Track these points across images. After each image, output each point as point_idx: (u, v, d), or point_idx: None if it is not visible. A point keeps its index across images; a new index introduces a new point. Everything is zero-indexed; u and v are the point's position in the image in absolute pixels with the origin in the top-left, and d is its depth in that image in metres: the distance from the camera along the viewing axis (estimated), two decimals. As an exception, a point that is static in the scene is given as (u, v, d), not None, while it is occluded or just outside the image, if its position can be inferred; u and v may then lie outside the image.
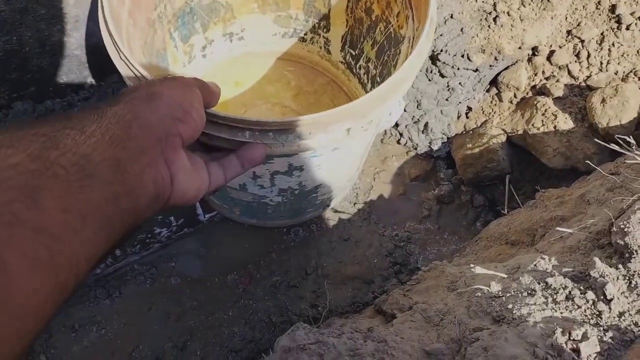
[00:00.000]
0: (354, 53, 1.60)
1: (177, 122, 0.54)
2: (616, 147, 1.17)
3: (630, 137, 1.18)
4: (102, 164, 0.42)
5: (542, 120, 1.57)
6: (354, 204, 1.73)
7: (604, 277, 0.79)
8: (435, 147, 1.77)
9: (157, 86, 0.55)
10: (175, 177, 0.53)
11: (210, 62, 1.68)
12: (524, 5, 1.59)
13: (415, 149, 1.81)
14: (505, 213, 1.51)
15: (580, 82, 1.59)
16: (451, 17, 1.60)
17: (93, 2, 1.41)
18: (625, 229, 0.81)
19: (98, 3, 1.02)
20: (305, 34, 1.69)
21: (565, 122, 1.55)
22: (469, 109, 1.73)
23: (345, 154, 1.23)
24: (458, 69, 1.62)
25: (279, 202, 1.35)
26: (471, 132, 1.72)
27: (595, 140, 1.47)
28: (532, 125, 1.59)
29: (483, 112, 1.72)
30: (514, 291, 0.88)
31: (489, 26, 1.60)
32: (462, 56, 1.61)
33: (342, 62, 1.68)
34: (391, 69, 1.37)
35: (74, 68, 1.57)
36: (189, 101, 0.57)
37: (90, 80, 1.64)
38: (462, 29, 1.60)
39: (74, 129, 0.42)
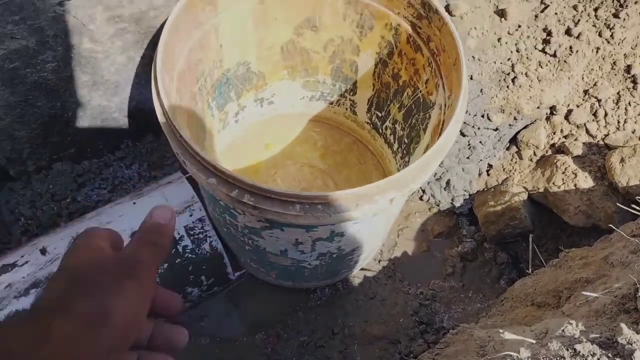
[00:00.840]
0: (380, 115, 1.67)
1: (124, 344, 0.43)
2: (637, 209, 1.20)
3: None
4: None
5: (563, 179, 1.61)
6: (379, 261, 1.75)
7: (631, 345, 0.80)
8: (457, 204, 1.81)
9: (113, 297, 0.42)
10: None
11: (242, 126, 1.76)
12: (541, 67, 1.66)
13: (438, 205, 1.85)
14: (530, 273, 1.53)
15: (598, 141, 1.64)
16: (471, 78, 1.67)
17: (129, 68, 1.49)
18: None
19: (152, 86, 1.09)
20: (332, 97, 1.76)
21: (586, 181, 1.59)
22: (490, 166, 1.78)
23: (384, 218, 1.27)
24: (478, 128, 1.68)
25: (317, 265, 1.38)
26: (493, 189, 1.76)
27: (616, 200, 1.51)
28: (553, 183, 1.63)
29: (504, 170, 1.76)
30: (543, 358, 0.90)
31: (507, 87, 1.67)
32: (482, 116, 1.68)
33: (367, 122, 1.75)
34: (420, 132, 1.43)
35: (112, 130, 1.64)
36: (140, 318, 0.45)
37: (126, 141, 1.71)
38: (481, 89, 1.67)
39: None
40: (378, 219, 1.23)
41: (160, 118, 1.07)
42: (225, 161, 1.73)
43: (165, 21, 1.39)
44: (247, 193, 0.95)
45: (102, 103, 1.54)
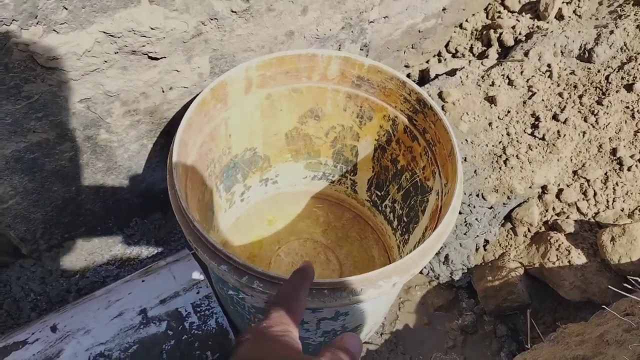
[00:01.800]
0: (379, 194, 1.75)
1: None
2: (629, 289, 1.26)
3: (642, 277, 1.28)
4: None
5: (557, 255, 1.68)
6: (381, 334, 1.79)
7: None
8: (456, 278, 1.87)
9: None
10: None
11: (247, 204, 1.83)
12: (531, 149, 1.76)
13: (437, 279, 1.90)
14: (529, 347, 1.57)
15: (589, 219, 1.71)
16: (465, 159, 1.76)
17: (142, 154, 1.58)
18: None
19: (167, 179, 1.17)
20: (334, 177, 1.85)
21: (579, 257, 1.65)
22: (487, 242, 1.84)
23: (387, 298, 1.33)
24: (474, 206, 1.76)
25: (321, 342, 1.42)
26: (490, 264, 1.82)
27: (609, 276, 1.57)
28: (548, 259, 1.69)
29: (500, 245, 1.83)
30: None
31: (500, 168, 1.76)
32: (477, 195, 1.76)
33: (367, 200, 1.83)
34: (419, 214, 1.50)
35: (123, 210, 1.71)
36: None
37: (135, 219, 1.78)
38: (475, 170, 1.76)
39: None
40: (381, 300, 1.29)
41: (176, 210, 1.14)
42: (231, 237, 1.80)
43: (180, 109, 1.51)
44: (257, 280, 1.01)
45: (115, 186, 1.61)
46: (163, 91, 1.42)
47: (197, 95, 1.49)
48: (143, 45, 1.26)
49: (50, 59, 1.16)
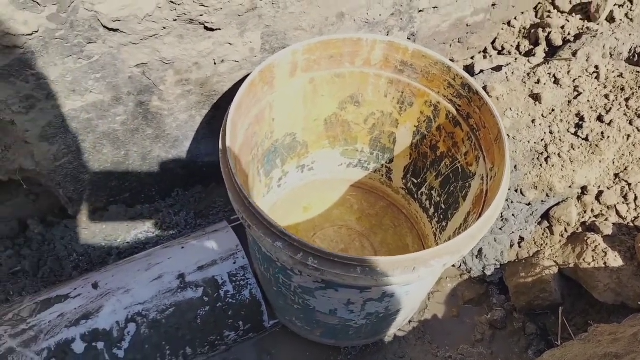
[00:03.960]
0: (416, 181, 1.76)
1: None
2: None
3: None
4: None
5: (593, 256, 1.66)
6: (410, 322, 1.80)
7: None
8: (488, 273, 1.86)
9: None
10: None
11: (284, 190, 1.87)
12: (573, 149, 1.74)
13: (469, 272, 1.90)
14: (559, 344, 1.56)
15: (628, 222, 1.69)
16: (506, 154, 1.76)
17: (189, 125, 1.62)
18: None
19: (221, 164, 1.21)
20: (369, 164, 1.87)
21: (615, 260, 1.63)
22: (522, 239, 1.83)
23: (430, 280, 1.34)
24: (512, 202, 1.75)
25: (363, 325, 1.44)
26: (524, 261, 1.81)
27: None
28: (583, 260, 1.67)
29: (535, 243, 1.82)
30: None
31: (540, 165, 1.75)
32: (516, 191, 1.75)
33: (402, 188, 1.84)
34: (459, 200, 1.51)
35: (166, 179, 1.77)
36: None
37: (177, 189, 1.83)
38: (515, 166, 1.75)
39: None
40: (425, 282, 1.30)
41: (230, 187, 1.17)
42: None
43: (226, 86, 1.55)
44: (311, 256, 1.04)
45: (161, 154, 1.67)
46: (215, 63, 1.47)
47: (247, 72, 1.54)
48: (201, 15, 1.31)
49: (113, 20, 1.22)
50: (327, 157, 1.86)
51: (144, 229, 1.81)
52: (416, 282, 1.20)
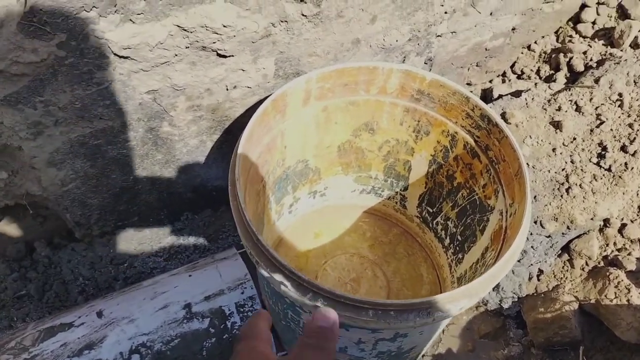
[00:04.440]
0: (431, 211, 1.71)
1: None
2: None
3: None
4: None
5: (615, 293, 1.59)
6: (422, 356, 1.74)
7: None
8: (505, 306, 1.80)
9: None
10: None
11: (295, 216, 1.83)
12: (595, 180, 1.68)
13: (485, 305, 1.84)
14: (579, 385, 1.49)
15: (653, 257, 1.62)
16: (525, 184, 1.70)
17: (200, 150, 1.59)
18: None
19: (230, 196, 1.16)
20: (383, 191, 1.82)
21: (639, 298, 1.56)
22: (541, 271, 1.77)
23: (446, 321, 1.29)
24: (531, 233, 1.69)
25: (373, 363, 1.39)
26: (543, 295, 1.74)
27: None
28: (605, 296, 1.61)
29: (555, 277, 1.75)
30: None
31: (561, 196, 1.69)
32: (535, 222, 1.69)
33: (417, 216, 1.79)
34: (477, 233, 1.45)
35: (175, 203, 1.73)
36: None
37: (186, 213, 1.80)
38: (535, 196, 1.69)
39: None
40: (442, 322, 1.25)
41: (238, 222, 1.12)
42: (278, 249, 1.79)
43: (238, 112, 1.52)
44: (321, 297, 0.99)
45: (171, 179, 1.63)
46: (227, 89, 1.44)
47: (259, 97, 1.51)
48: (214, 42, 1.27)
49: (124, 48, 1.19)
50: (339, 183, 1.82)
51: (151, 253, 1.78)
52: (431, 324, 1.14)
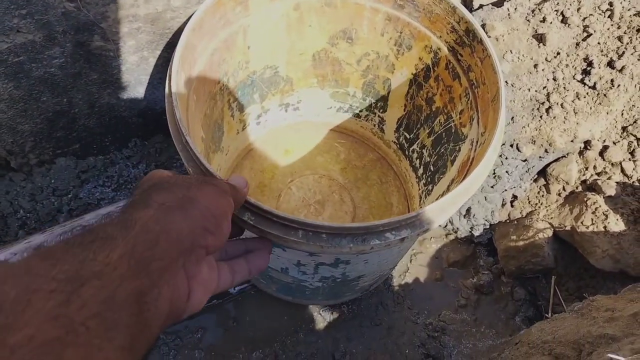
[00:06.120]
0: (408, 137, 1.57)
1: (207, 234, 0.49)
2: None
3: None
4: (124, 305, 0.38)
5: (592, 219, 1.51)
6: (388, 286, 1.67)
7: None
8: (476, 233, 1.72)
9: (194, 190, 0.51)
10: (192, 292, 0.49)
11: (264, 128, 1.68)
12: (578, 98, 1.55)
13: (455, 232, 1.76)
14: (549, 316, 1.44)
15: (633, 182, 1.54)
16: (502, 104, 1.57)
17: (142, 68, 1.41)
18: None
19: (166, 87, 1.01)
20: (361, 111, 1.68)
21: (617, 224, 1.49)
22: (515, 197, 1.68)
23: (395, 251, 1.18)
24: (506, 157, 1.58)
25: (319, 287, 1.31)
26: (516, 222, 1.66)
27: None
28: (581, 222, 1.53)
29: (529, 203, 1.66)
30: None
31: (541, 117, 1.56)
32: (512, 145, 1.57)
33: (394, 142, 1.66)
34: (447, 163, 1.33)
35: (120, 128, 1.57)
36: (223, 212, 0.53)
37: (134, 139, 1.64)
38: (512, 117, 1.57)
39: (98, 257, 0.39)
40: (389, 252, 1.14)
41: (171, 125, 0.98)
42: (243, 162, 1.66)
43: (186, 21, 1.32)
44: (248, 212, 0.87)
45: (111, 101, 1.46)
46: (167, -4, 1.24)
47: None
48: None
49: (30, -57, 0.98)
50: (315, 97, 1.66)
51: (98, 184, 1.63)
52: (373, 252, 1.04)
